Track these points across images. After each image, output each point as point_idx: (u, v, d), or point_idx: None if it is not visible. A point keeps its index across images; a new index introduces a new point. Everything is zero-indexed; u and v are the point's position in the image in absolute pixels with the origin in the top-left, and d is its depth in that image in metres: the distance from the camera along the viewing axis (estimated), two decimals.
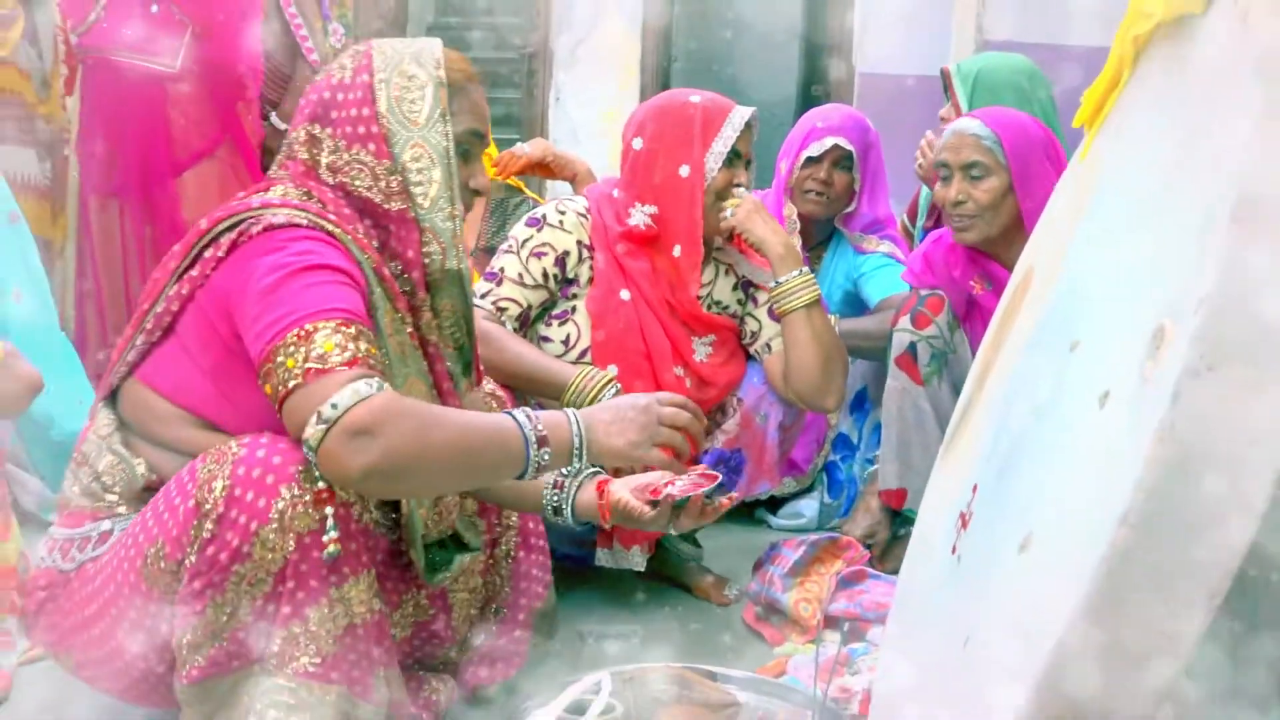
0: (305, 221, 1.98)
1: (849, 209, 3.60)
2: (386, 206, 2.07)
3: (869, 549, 2.92)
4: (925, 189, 3.68)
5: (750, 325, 2.94)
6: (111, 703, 2.07)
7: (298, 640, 1.88)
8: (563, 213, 2.85)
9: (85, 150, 3.53)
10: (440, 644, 2.29)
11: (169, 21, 3.41)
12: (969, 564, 1.88)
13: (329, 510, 1.88)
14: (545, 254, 2.81)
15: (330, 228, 2.00)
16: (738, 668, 2.43)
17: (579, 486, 2.27)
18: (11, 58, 3.39)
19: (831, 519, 3.34)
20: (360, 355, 1.85)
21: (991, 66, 3.52)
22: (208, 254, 2.00)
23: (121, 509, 2.02)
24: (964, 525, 1.96)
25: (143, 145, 3.51)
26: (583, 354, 2.79)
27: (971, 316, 3.00)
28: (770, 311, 2.89)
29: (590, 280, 2.84)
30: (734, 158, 2.84)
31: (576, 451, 1.98)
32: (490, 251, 3.20)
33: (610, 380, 2.64)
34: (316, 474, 1.85)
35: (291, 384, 1.83)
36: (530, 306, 2.80)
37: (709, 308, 2.91)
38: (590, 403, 2.60)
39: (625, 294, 2.82)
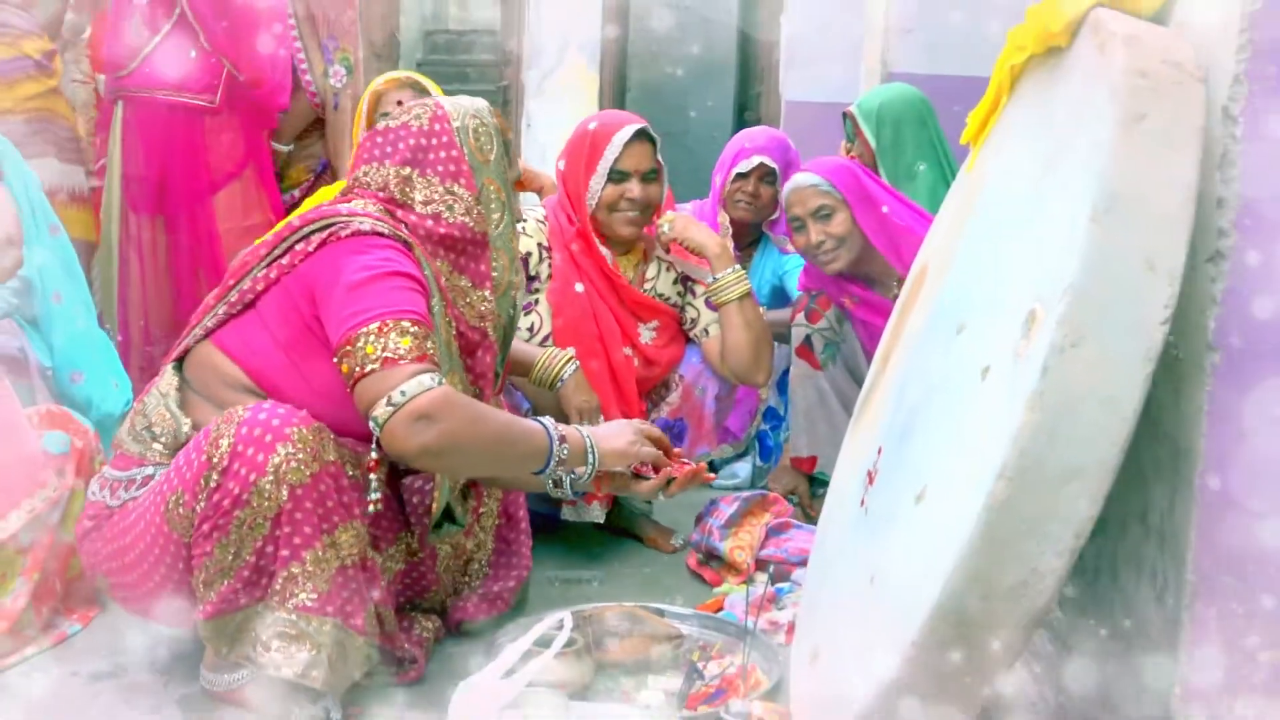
0: (387, 232, 2.04)
1: (774, 216, 3.61)
2: (476, 230, 2.16)
3: (792, 504, 2.93)
4: None
5: (690, 313, 2.95)
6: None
7: (296, 579, 1.90)
8: (524, 220, 2.84)
9: (128, 174, 3.51)
10: (426, 587, 2.29)
11: (208, 64, 3.41)
12: (875, 514, 1.89)
13: (372, 476, 2.00)
14: None
15: (406, 238, 2.08)
16: (682, 605, 2.44)
17: None
18: (60, 88, 3.37)
19: (762, 479, 3.34)
20: (427, 353, 1.92)
21: (889, 100, 3.54)
22: (298, 247, 2.05)
23: (164, 458, 2.03)
24: (871, 482, 1.97)
25: (183, 170, 3.52)
26: (545, 339, 2.79)
27: (850, 318, 3.06)
28: (707, 301, 2.90)
29: (549, 276, 2.85)
30: (622, 175, 2.80)
31: (590, 450, 2.07)
32: None
33: (570, 359, 2.65)
34: (310, 435, 1.89)
35: (368, 368, 1.89)
36: None
37: (654, 298, 2.91)
38: (554, 378, 2.63)
39: (579, 287, 2.84)
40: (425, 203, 2.14)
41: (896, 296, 2.89)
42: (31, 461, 2.25)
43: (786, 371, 3.32)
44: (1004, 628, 1.45)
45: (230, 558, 1.90)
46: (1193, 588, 1.62)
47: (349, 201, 2.14)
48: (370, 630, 1.99)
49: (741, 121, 9.40)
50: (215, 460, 1.88)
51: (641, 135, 2.83)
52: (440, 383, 1.91)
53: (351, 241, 2.02)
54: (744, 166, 3.51)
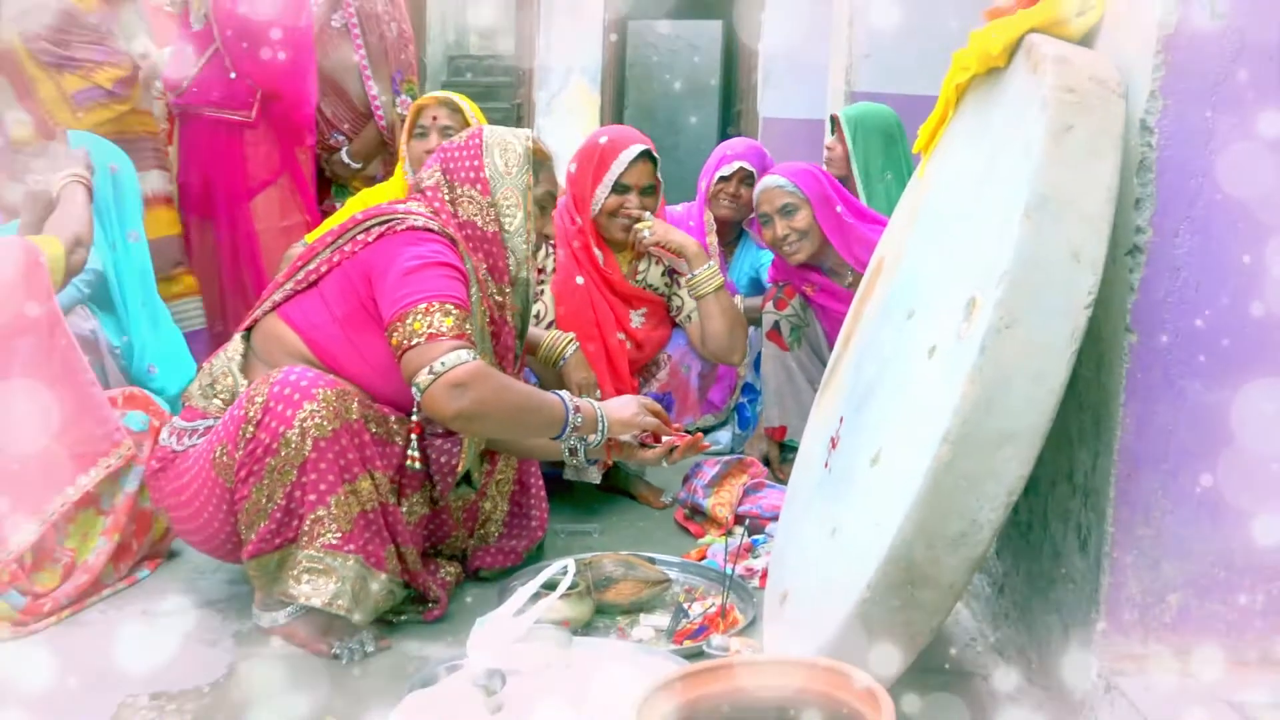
0: (436, 228, 2.08)
1: (753, 215, 3.59)
2: (484, 229, 2.17)
3: (766, 466, 2.93)
4: None
5: (675, 302, 2.95)
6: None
7: (322, 521, 1.91)
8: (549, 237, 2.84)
9: (183, 181, 3.55)
10: (446, 534, 2.28)
11: (244, 84, 3.44)
12: (836, 474, 1.89)
13: (414, 437, 2.05)
14: None
15: (452, 234, 2.10)
16: (670, 554, 2.43)
17: None
18: (141, 105, 3.36)
19: (740, 446, 3.33)
20: (465, 332, 1.96)
21: (868, 114, 3.58)
22: (359, 237, 2.08)
23: (221, 413, 2.03)
24: (834, 446, 1.97)
25: (226, 177, 3.53)
26: (550, 324, 2.78)
27: (812, 305, 3.05)
28: (690, 291, 2.90)
29: (554, 269, 2.83)
30: (624, 188, 2.80)
31: (600, 420, 2.12)
32: None
33: (570, 341, 2.66)
34: (334, 396, 1.91)
35: (415, 341, 1.92)
36: None
37: (644, 288, 2.91)
38: (557, 357, 2.65)
39: (580, 279, 2.83)
40: (452, 201, 2.18)
41: (850, 285, 2.89)
42: (105, 423, 2.24)
43: (759, 353, 3.31)
44: (947, 572, 1.45)
45: (264, 500, 1.91)
46: (1112, 537, 1.62)
47: (405, 203, 2.18)
48: (392, 568, 2.00)
49: (725, 135, 9.37)
50: (251, 415, 1.91)
51: (646, 155, 2.82)
52: (475, 358, 1.94)
53: (406, 235, 2.05)
54: (726, 170, 3.50)
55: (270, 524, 1.91)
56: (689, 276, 2.84)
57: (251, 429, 1.90)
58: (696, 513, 2.70)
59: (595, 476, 2.70)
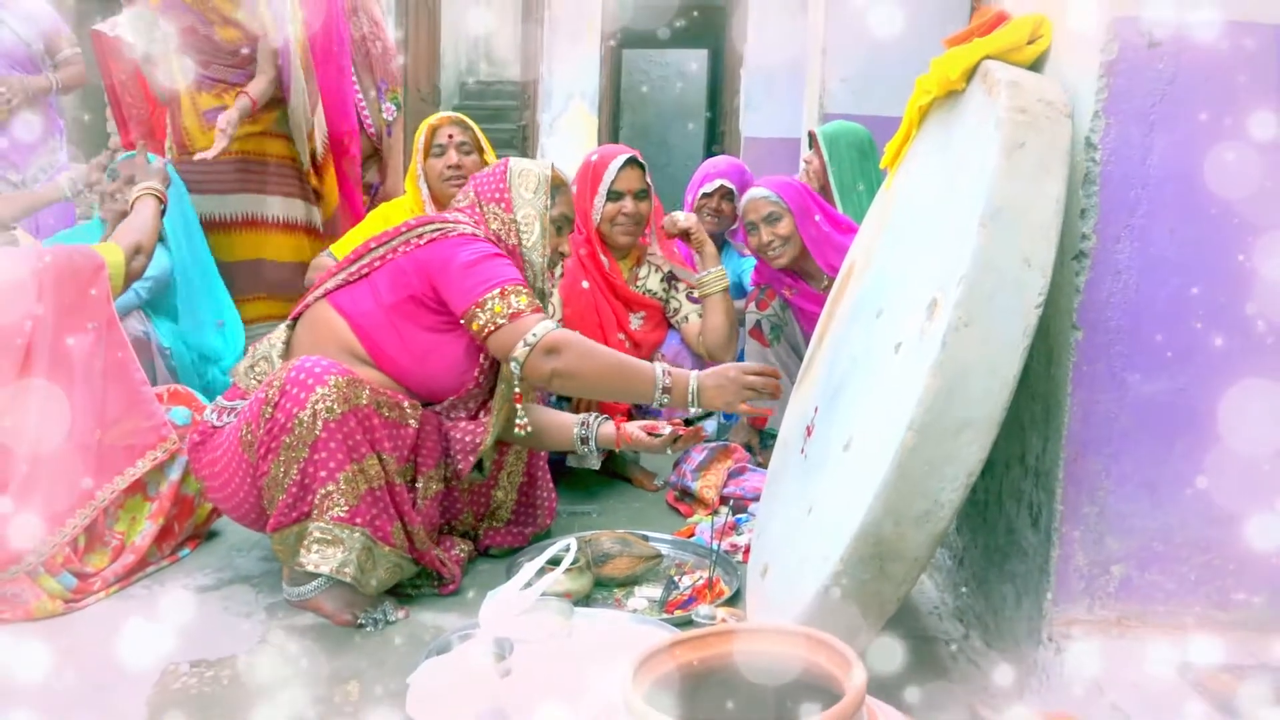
0: (482, 235, 2.13)
1: (734, 226, 3.59)
2: (507, 242, 2.19)
3: (749, 452, 2.93)
4: None
5: (673, 304, 2.94)
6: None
7: (331, 495, 1.91)
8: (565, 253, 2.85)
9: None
10: (458, 512, 2.28)
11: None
12: (812, 460, 1.89)
13: (519, 406, 2.11)
14: None
15: (495, 242, 2.15)
16: (662, 532, 2.43)
17: (600, 424, 2.29)
18: (276, 129, 3.29)
19: (725, 433, 3.33)
20: (539, 308, 2.04)
21: (843, 132, 3.57)
22: (413, 240, 2.10)
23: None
24: (809, 434, 1.96)
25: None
26: (558, 322, 2.78)
27: (791, 306, 3.05)
28: (689, 295, 2.91)
29: (563, 274, 2.83)
30: (618, 195, 2.82)
31: (693, 397, 2.03)
32: None
33: (555, 317, 2.66)
34: (344, 383, 1.91)
35: (500, 322, 1.99)
36: None
37: (643, 293, 2.91)
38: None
39: (585, 283, 2.82)
40: (481, 218, 2.21)
41: (824, 289, 2.89)
42: (153, 418, 2.23)
43: (744, 349, 3.30)
44: (912, 547, 1.44)
45: (281, 475, 1.91)
46: (1061, 514, 1.62)
47: (452, 213, 2.21)
48: (399, 543, 1.99)
49: (710, 152, 9.37)
50: (270, 397, 1.91)
51: (632, 162, 2.83)
52: (559, 326, 2.01)
53: (458, 238, 2.08)
54: (709, 187, 3.50)
55: (287, 498, 1.91)
56: (699, 275, 2.84)
57: (270, 409, 1.91)
58: (686, 494, 2.70)
59: (595, 463, 2.70)
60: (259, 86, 3.17)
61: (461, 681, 1.59)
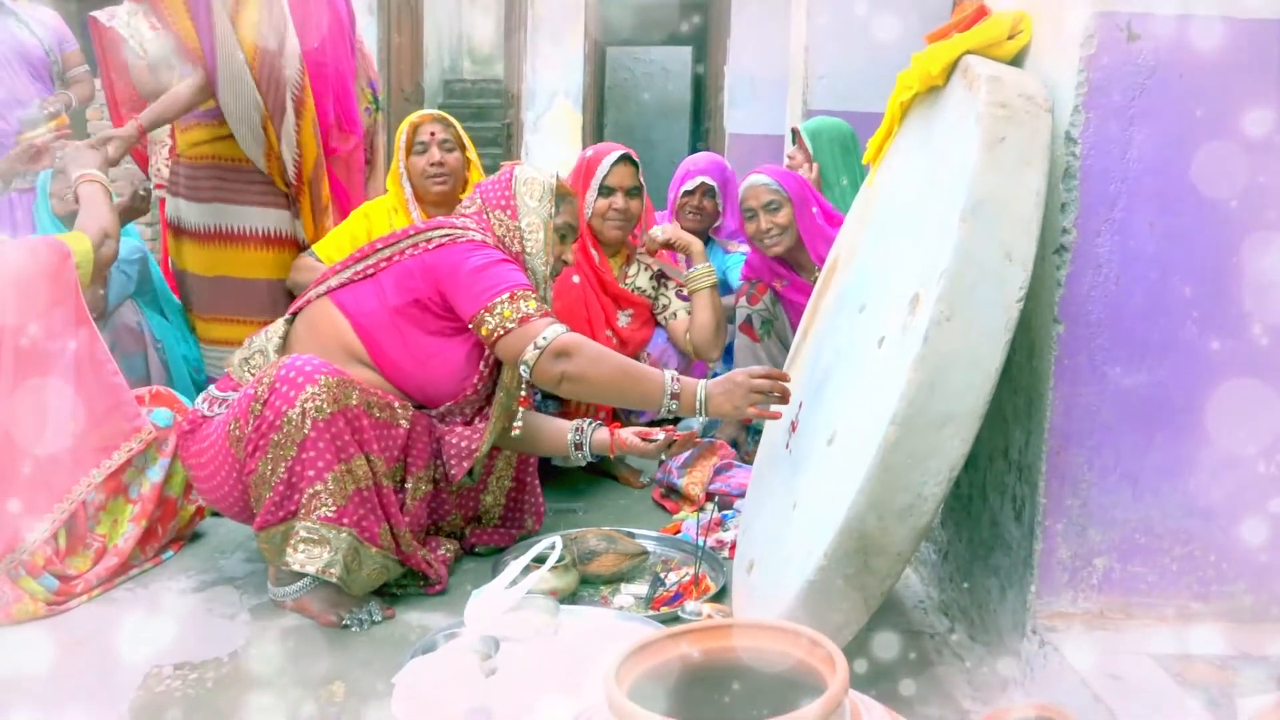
0: (491, 242, 2.13)
1: (716, 224, 3.59)
2: (511, 249, 2.19)
3: (734, 448, 2.93)
4: None
5: (662, 301, 2.94)
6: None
7: (319, 495, 1.90)
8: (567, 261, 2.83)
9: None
10: (446, 513, 2.27)
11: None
12: (797, 455, 1.89)
13: (520, 409, 2.14)
14: None
15: (510, 252, 2.16)
16: (648, 529, 2.43)
17: (594, 430, 2.29)
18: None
19: (711, 430, 3.33)
20: (547, 311, 2.03)
21: (826, 127, 3.57)
22: (421, 243, 2.09)
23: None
24: (794, 429, 1.96)
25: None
26: (567, 328, 2.77)
27: (781, 299, 3.05)
28: (678, 293, 2.91)
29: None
30: (609, 190, 2.82)
31: (701, 405, 1.97)
32: None
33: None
34: (334, 383, 1.89)
35: (509, 326, 1.98)
36: None
37: (632, 291, 2.91)
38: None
39: (576, 278, 2.83)
40: (487, 224, 2.20)
41: (816, 281, 2.90)
42: (126, 409, 2.19)
43: (730, 344, 3.30)
44: (896, 541, 1.45)
45: (269, 473, 1.90)
46: (1044, 508, 1.62)
47: (460, 219, 2.20)
48: (385, 544, 1.98)
49: (695, 150, 9.33)
50: (259, 394, 1.90)
51: (625, 159, 2.85)
52: (567, 330, 1.99)
53: (467, 244, 2.07)
54: (690, 185, 3.49)
55: (274, 496, 1.90)
56: (687, 272, 2.84)
57: (259, 406, 1.89)
58: (672, 491, 2.70)
59: (580, 461, 2.69)
60: (151, 111, 2.81)
61: (447, 681, 1.59)
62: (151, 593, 2.11)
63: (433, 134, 2.94)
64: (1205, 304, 1.57)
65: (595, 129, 9.25)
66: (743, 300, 3.07)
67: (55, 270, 2.16)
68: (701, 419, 3.28)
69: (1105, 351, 1.58)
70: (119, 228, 2.42)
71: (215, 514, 2.41)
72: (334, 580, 1.90)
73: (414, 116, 3.01)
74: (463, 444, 2.16)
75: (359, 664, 1.81)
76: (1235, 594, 1.62)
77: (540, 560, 1.89)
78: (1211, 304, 1.57)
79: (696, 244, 2.87)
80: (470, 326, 2.04)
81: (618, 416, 2.83)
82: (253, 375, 2.05)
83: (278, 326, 2.14)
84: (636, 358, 2.93)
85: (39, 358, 2.09)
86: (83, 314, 2.18)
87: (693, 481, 2.64)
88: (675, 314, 2.91)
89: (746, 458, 2.90)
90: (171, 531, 2.28)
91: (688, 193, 3.50)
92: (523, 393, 2.15)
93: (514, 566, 1.81)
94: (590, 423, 2.32)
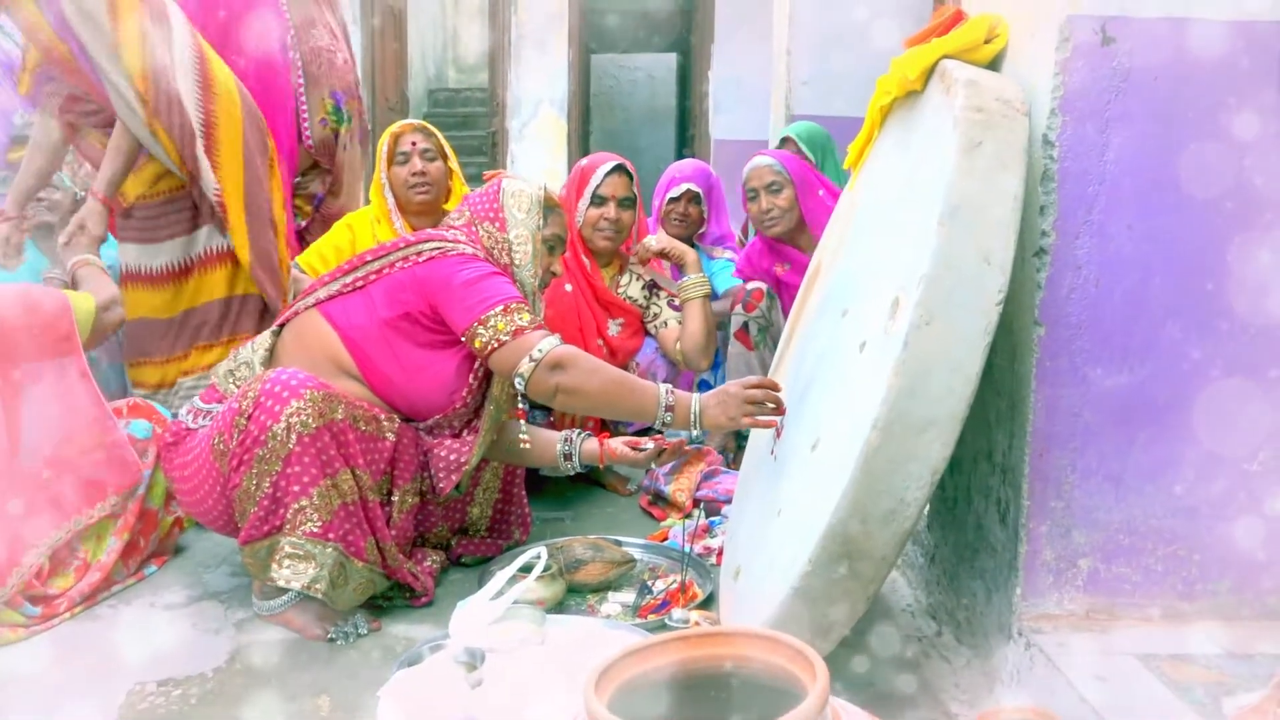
0: (482, 255, 2.12)
1: (701, 230, 3.59)
2: (500, 260, 2.18)
3: (721, 455, 2.93)
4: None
5: (653, 310, 2.95)
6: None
7: (304, 510, 1.88)
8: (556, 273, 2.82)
9: None
10: (433, 525, 2.26)
11: None
12: (781, 460, 1.89)
13: (522, 422, 2.17)
14: None
15: (498, 264, 2.16)
16: (635, 536, 2.42)
17: (583, 441, 2.28)
18: None
19: (700, 439, 3.33)
20: (540, 324, 2.02)
21: (812, 131, 3.63)
22: (411, 256, 2.08)
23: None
24: (779, 435, 1.97)
25: None
26: (561, 340, 2.76)
27: (780, 293, 3.06)
28: (669, 303, 2.91)
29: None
30: (601, 200, 2.82)
31: (695, 418, 1.94)
32: None
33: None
34: (319, 397, 1.88)
35: (503, 339, 1.97)
36: None
37: (624, 300, 2.91)
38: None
39: (568, 286, 2.82)
40: (475, 236, 2.20)
41: None
42: (123, 458, 2.17)
43: (716, 350, 3.31)
44: (880, 546, 1.44)
45: (254, 488, 1.89)
46: (1028, 510, 1.63)
47: (449, 231, 2.19)
48: (371, 559, 1.97)
49: (681, 156, 9.38)
50: (244, 408, 1.89)
51: (620, 169, 2.85)
52: (561, 342, 1.98)
53: (458, 257, 2.07)
54: (675, 192, 3.49)
55: (259, 511, 1.89)
56: (681, 281, 2.85)
57: (244, 421, 1.88)
58: (659, 498, 2.69)
59: (568, 470, 2.69)
60: (101, 176, 2.61)
61: (433, 693, 1.58)
62: (135, 608, 2.09)
63: (414, 144, 2.94)
64: (1185, 305, 1.58)
65: (581, 137, 9.25)
66: (739, 308, 3.06)
67: (52, 317, 2.15)
68: (696, 431, 3.30)
69: (1086, 353, 1.59)
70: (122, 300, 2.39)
71: (196, 525, 2.40)
72: (319, 596, 1.89)
73: (395, 127, 3.00)
74: (451, 457, 2.15)
75: (345, 677, 1.80)
76: (1220, 593, 1.63)
77: (526, 570, 1.88)
78: (1191, 304, 1.58)
79: (690, 254, 2.88)
80: (463, 339, 2.03)
81: (606, 426, 2.83)
82: (238, 387, 2.04)
83: (264, 338, 2.13)
84: (625, 367, 2.93)
85: (23, 398, 2.07)
86: (81, 367, 2.16)
87: (680, 488, 2.63)
88: (666, 323, 2.91)
89: (734, 465, 2.90)
90: (153, 544, 2.27)
91: (673, 199, 3.50)
92: (520, 405, 2.14)
93: (500, 577, 1.80)
94: (579, 433, 2.31)
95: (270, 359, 2.10)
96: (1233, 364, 1.58)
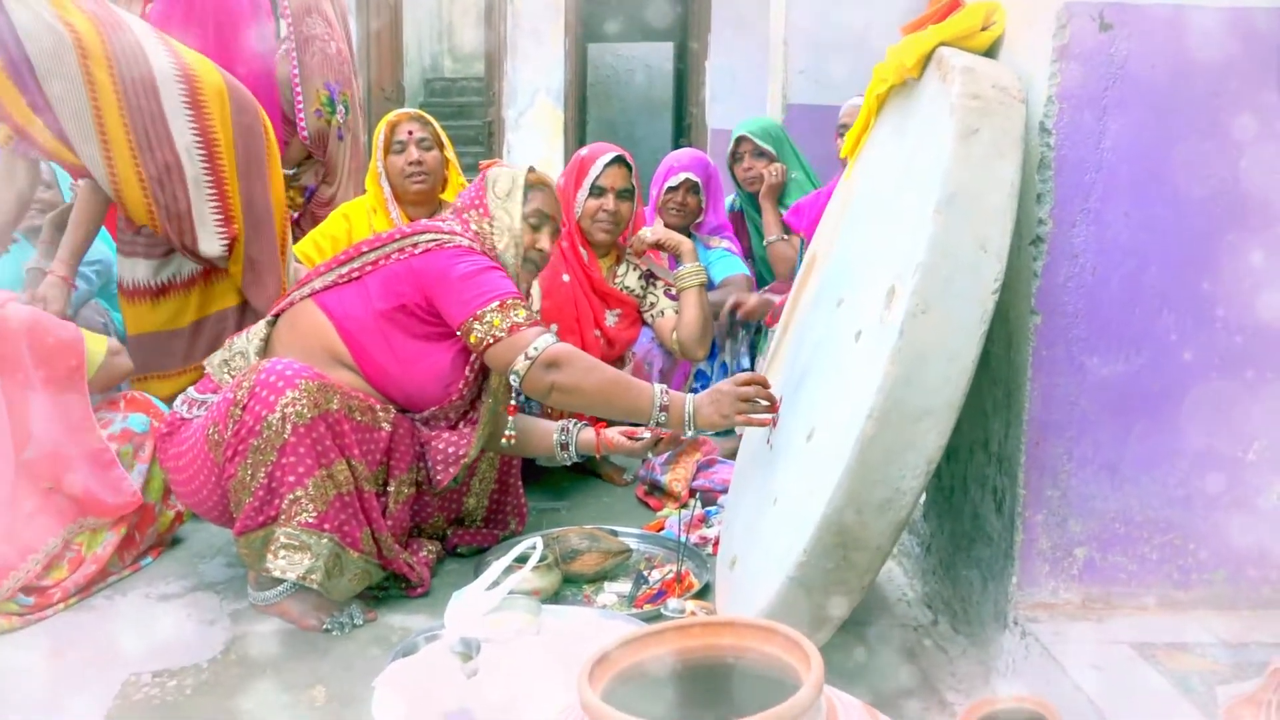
0: (479, 248, 2.11)
1: (699, 219, 3.58)
2: (486, 244, 2.16)
3: (716, 445, 2.93)
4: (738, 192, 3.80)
5: (650, 300, 2.94)
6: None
7: (300, 501, 1.88)
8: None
9: None
10: (428, 516, 2.26)
11: None
12: (777, 450, 1.88)
13: (510, 418, 2.13)
14: None
15: (488, 253, 2.13)
16: (631, 526, 2.42)
17: (579, 431, 2.28)
18: None
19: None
20: (537, 321, 2.01)
21: (768, 126, 3.74)
22: (406, 247, 2.07)
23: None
24: (774, 424, 1.96)
25: None
26: (535, 313, 2.76)
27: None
28: (666, 292, 2.90)
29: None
30: (600, 191, 2.81)
31: (689, 418, 1.94)
32: None
33: (552, 331, 2.62)
34: (315, 387, 1.88)
35: (498, 335, 1.97)
36: None
37: (621, 290, 2.90)
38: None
39: (566, 277, 2.81)
40: (466, 225, 2.19)
41: None
42: (119, 487, 2.15)
43: (711, 341, 3.30)
44: (875, 535, 1.44)
45: (249, 478, 1.88)
46: (1024, 499, 1.62)
47: (446, 223, 2.18)
48: (367, 549, 1.97)
49: (678, 145, 9.35)
50: (239, 398, 1.88)
51: (619, 160, 2.84)
52: (557, 340, 1.98)
53: (454, 250, 2.06)
54: (673, 181, 3.48)
55: (254, 501, 1.88)
56: (676, 270, 2.83)
57: (239, 411, 1.88)
58: (655, 488, 2.69)
59: (564, 460, 2.69)
60: (63, 248, 2.52)
61: (428, 683, 1.57)
62: (130, 599, 2.09)
63: (410, 133, 2.92)
64: (1181, 293, 1.57)
65: (577, 126, 9.23)
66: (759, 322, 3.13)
67: (63, 346, 2.14)
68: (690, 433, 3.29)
69: (1083, 342, 1.58)
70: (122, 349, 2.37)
71: (195, 518, 2.39)
72: (315, 587, 1.89)
73: (391, 116, 2.99)
74: (450, 450, 2.14)
75: (340, 667, 1.80)
76: (1215, 582, 1.63)
77: (522, 560, 1.88)
78: (1188, 293, 1.57)
79: (687, 244, 2.86)
80: (458, 333, 2.02)
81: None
82: (232, 377, 2.03)
83: (259, 328, 2.12)
84: (621, 358, 2.93)
85: (40, 419, 2.07)
86: (85, 404, 2.15)
87: (676, 478, 2.63)
88: (663, 312, 2.90)
89: (731, 453, 2.89)
90: (150, 537, 2.26)
91: (671, 189, 3.49)
92: (514, 400, 2.14)
93: (495, 567, 1.79)
94: (576, 423, 2.31)
95: (265, 349, 2.09)
96: (1229, 353, 1.58)
